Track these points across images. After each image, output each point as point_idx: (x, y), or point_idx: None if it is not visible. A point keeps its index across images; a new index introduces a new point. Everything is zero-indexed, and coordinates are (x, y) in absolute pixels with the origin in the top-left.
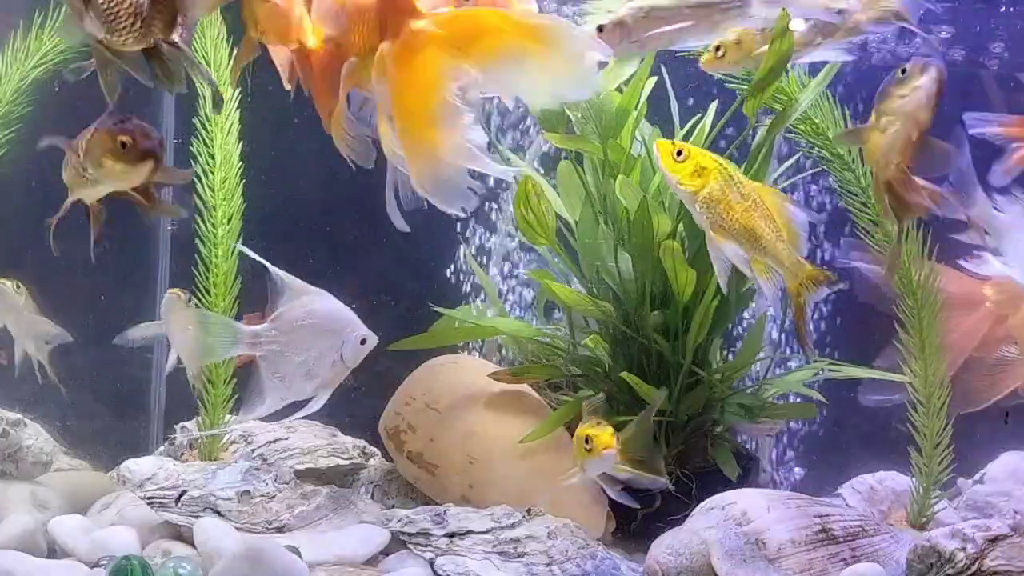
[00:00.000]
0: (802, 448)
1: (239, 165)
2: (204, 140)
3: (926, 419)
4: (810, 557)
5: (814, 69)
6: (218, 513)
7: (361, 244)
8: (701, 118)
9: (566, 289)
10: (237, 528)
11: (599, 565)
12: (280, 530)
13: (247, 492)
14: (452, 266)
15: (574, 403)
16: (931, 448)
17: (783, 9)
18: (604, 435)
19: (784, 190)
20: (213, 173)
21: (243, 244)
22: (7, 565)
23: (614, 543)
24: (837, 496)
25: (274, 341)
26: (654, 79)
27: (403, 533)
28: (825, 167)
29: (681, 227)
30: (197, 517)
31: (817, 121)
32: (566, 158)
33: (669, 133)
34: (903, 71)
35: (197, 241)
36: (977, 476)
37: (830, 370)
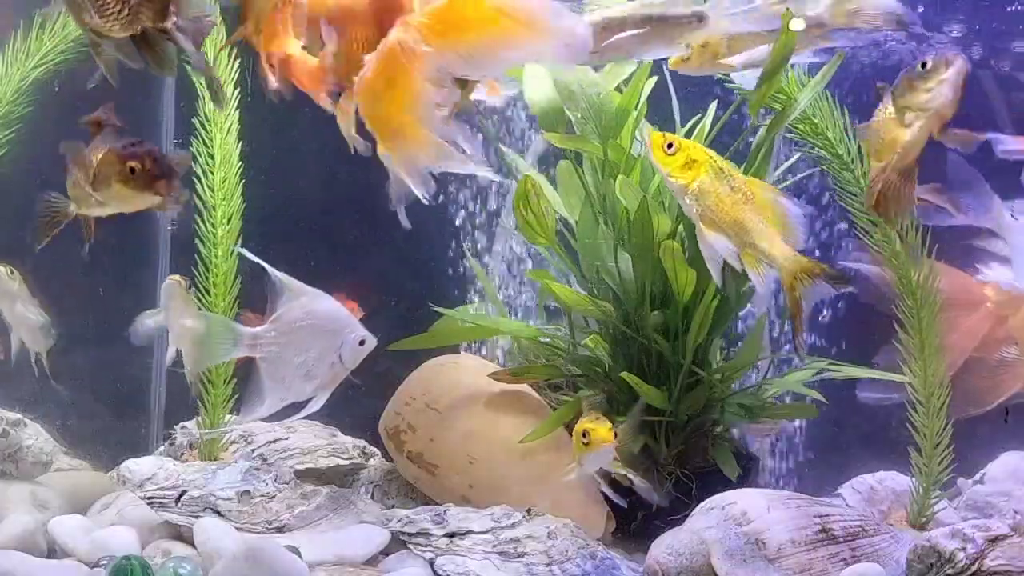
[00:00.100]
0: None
1: (239, 165)
2: (204, 140)
3: (926, 419)
4: (810, 557)
5: (812, 68)
6: (218, 513)
7: (361, 244)
8: (701, 118)
9: (566, 289)
10: (237, 528)
11: (599, 565)
12: (280, 530)
13: (247, 492)
14: (452, 267)
15: (574, 403)
16: (931, 448)
17: (787, 8)
18: (602, 429)
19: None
20: (213, 173)
21: (243, 244)
22: (7, 565)
23: (614, 543)
24: (837, 496)
25: (274, 342)
26: (654, 79)
27: (403, 533)
28: (824, 167)
29: (681, 227)
30: (197, 517)
31: (816, 121)
32: (565, 158)
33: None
34: (924, 65)
35: (197, 241)
36: (977, 476)
37: (830, 370)
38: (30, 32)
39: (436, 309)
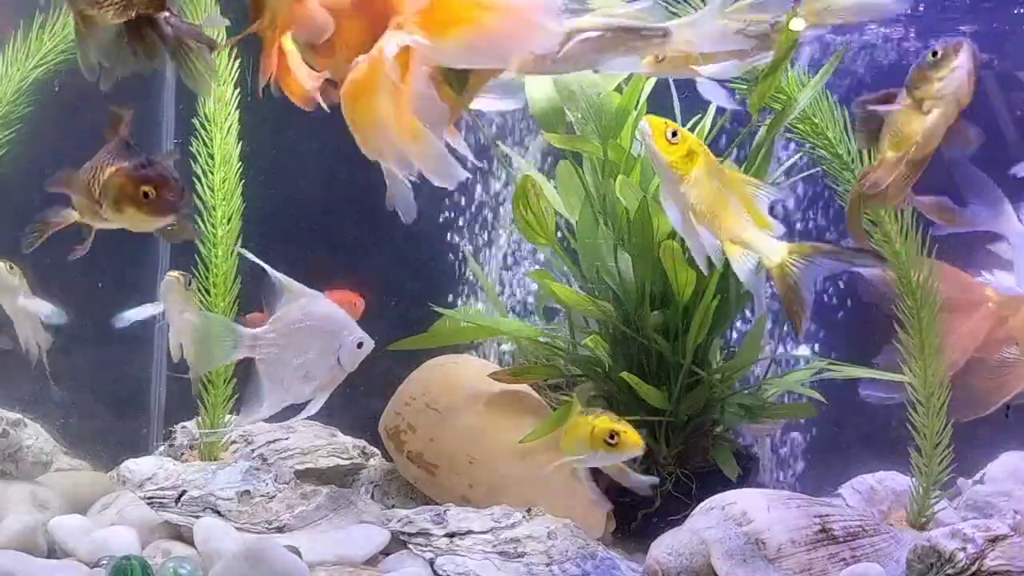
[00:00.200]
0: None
1: (239, 165)
2: (204, 140)
3: (926, 419)
4: (810, 557)
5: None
6: (218, 513)
7: (361, 244)
8: (701, 118)
9: (566, 289)
10: (237, 528)
11: (599, 565)
12: (280, 530)
13: (247, 492)
14: (452, 267)
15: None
16: (931, 448)
17: (792, 6)
18: (633, 433)
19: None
20: (213, 173)
21: (243, 244)
22: (7, 565)
23: (614, 543)
24: (837, 496)
25: (273, 343)
26: (653, 80)
27: (403, 533)
28: (824, 167)
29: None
30: (197, 517)
31: (816, 120)
32: (564, 158)
33: None
34: (934, 54)
35: (197, 241)
36: (977, 476)
37: (829, 370)
38: (30, 32)
39: (436, 309)
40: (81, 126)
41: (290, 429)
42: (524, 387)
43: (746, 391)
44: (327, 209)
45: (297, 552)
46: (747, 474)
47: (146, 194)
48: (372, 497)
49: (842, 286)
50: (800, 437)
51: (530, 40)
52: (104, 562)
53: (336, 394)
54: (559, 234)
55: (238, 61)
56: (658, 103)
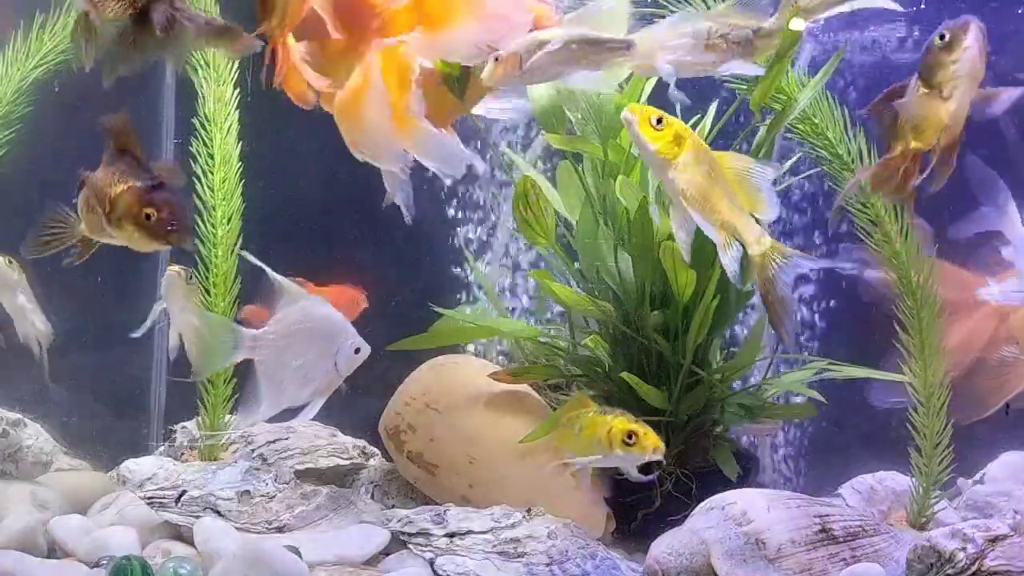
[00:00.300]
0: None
1: (239, 165)
2: (203, 140)
3: (926, 419)
4: (810, 557)
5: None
6: (218, 513)
7: (361, 244)
8: (702, 118)
9: (566, 289)
10: (237, 528)
11: (599, 565)
12: (280, 530)
13: (247, 492)
14: (452, 267)
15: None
16: (931, 448)
17: (796, 3)
18: (653, 435)
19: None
20: (213, 173)
21: (243, 244)
22: (7, 565)
23: (614, 543)
24: (837, 496)
25: (273, 345)
26: (656, 79)
27: (403, 533)
28: (824, 167)
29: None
30: (197, 517)
31: (816, 121)
32: (564, 158)
33: None
34: (942, 37)
35: (197, 241)
36: (977, 476)
37: (829, 370)
38: (30, 32)
39: (436, 309)
40: (82, 127)
41: (290, 429)
42: (524, 387)
43: (746, 391)
44: (327, 209)
45: (297, 552)
46: (747, 474)
47: (148, 216)
48: (372, 497)
49: (843, 286)
50: (800, 436)
51: (501, 33)
52: (104, 562)
53: (336, 394)
54: (559, 229)
55: (238, 61)
56: (658, 102)
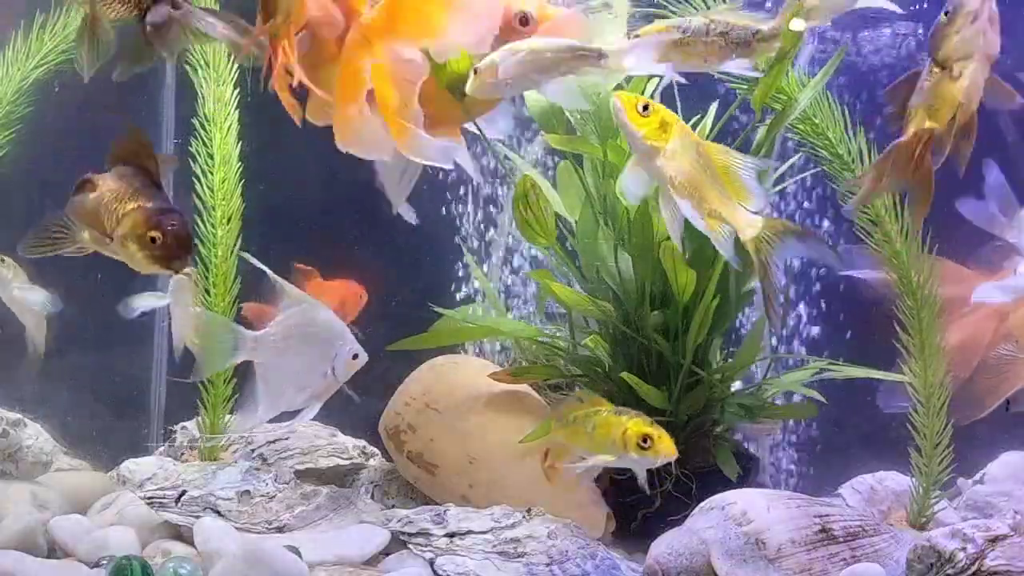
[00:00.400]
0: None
1: (238, 165)
2: (203, 140)
3: (926, 419)
4: (810, 557)
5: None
6: (218, 513)
7: (361, 244)
8: (702, 117)
9: (566, 289)
10: (237, 528)
11: (599, 565)
12: (280, 530)
13: (247, 492)
14: (452, 267)
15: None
16: (931, 448)
17: (798, 3)
18: (668, 440)
19: None
20: (212, 173)
21: (243, 244)
22: (7, 565)
23: (614, 543)
24: (837, 496)
25: (274, 347)
26: (658, 79)
27: (403, 533)
28: (824, 167)
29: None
30: (197, 517)
31: (817, 121)
32: (564, 158)
33: None
34: (947, 13)
35: (196, 241)
36: (977, 476)
37: (829, 370)
38: (30, 32)
39: (436, 309)
40: (82, 127)
41: (290, 429)
42: (524, 387)
43: (746, 391)
44: (327, 209)
45: (297, 552)
46: (747, 474)
47: (154, 239)
48: (372, 497)
49: (842, 288)
50: (800, 436)
51: (471, 30)
52: (104, 562)
53: (336, 394)
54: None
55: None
56: (660, 102)
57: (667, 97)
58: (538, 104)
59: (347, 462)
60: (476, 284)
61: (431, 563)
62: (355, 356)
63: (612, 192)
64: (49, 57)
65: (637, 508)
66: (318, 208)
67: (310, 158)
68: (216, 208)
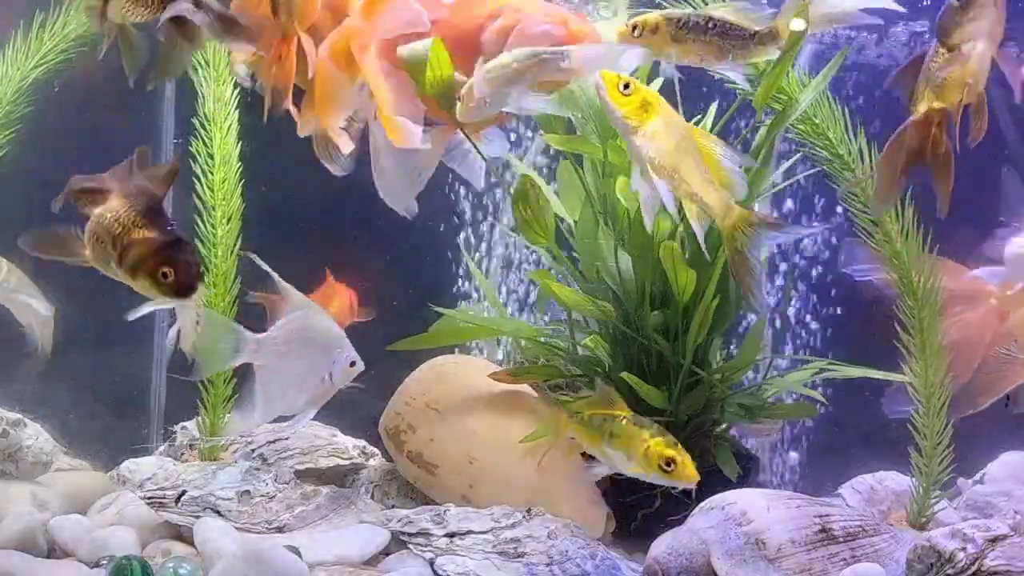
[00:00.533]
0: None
1: (239, 165)
2: (203, 140)
3: (926, 419)
4: (810, 557)
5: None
6: (218, 513)
7: (361, 244)
8: (703, 117)
9: (566, 289)
10: (237, 528)
11: (599, 565)
12: (280, 530)
13: (247, 492)
14: (452, 267)
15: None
16: (931, 448)
17: (800, 3)
18: (690, 464)
19: None
20: (212, 173)
21: (242, 244)
22: (7, 565)
23: (614, 543)
24: (837, 496)
25: (275, 350)
26: (660, 80)
27: (403, 533)
28: (824, 167)
29: (681, 227)
30: (197, 517)
31: (817, 121)
32: (564, 158)
33: None
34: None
35: (196, 241)
36: (977, 476)
37: (829, 370)
38: (30, 32)
39: (436, 309)
40: (82, 127)
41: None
42: (524, 387)
43: (746, 391)
44: (327, 209)
45: (297, 552)
46: (747, 474)
47: (165, 275)
48: (372, 497)
49: (842, 290)
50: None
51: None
52: (104, 562)
53: (336, 394)
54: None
55: None
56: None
57: (666, 96)
58: None
59: (347, 462)
60: (476, 283)
61: (431, 563)
62: (352, 363)
63: (612, 192)
64: (49, 57)
65: (637, 508)
66: (318, 208)
67: (310, 158)
68: (216, 208)
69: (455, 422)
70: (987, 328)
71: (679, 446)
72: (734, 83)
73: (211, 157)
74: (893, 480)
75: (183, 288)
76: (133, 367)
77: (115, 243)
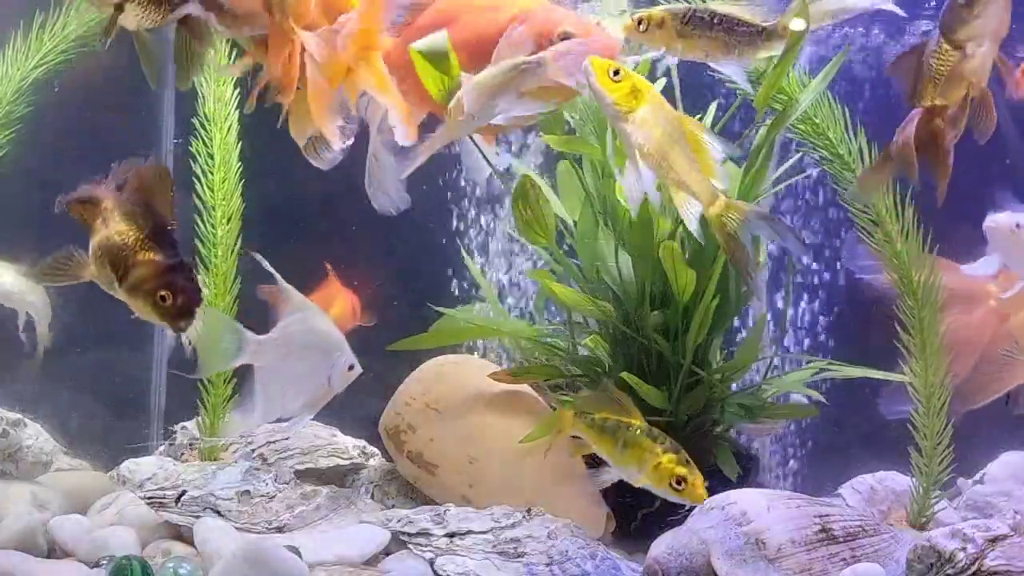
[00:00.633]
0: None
1: (239, 165)
2: (203, 140)
3: (926, 419)
4: (810, 557)
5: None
6: (218, 513)
7: (361, 244)
8: (702, 117)
9: (566, 289)
10: (237, 528)
11: (599, 565)
12: (280, 530)
13: (247, 492)
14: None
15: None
16: (931, 448)
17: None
18: (700, 483)
19: None
20: (212, 173)
21: (243, 244)
22: (7, 565)
23: (614, 543)
24: (837, 496)
25: (276, 352)
26: (663, 80)
27: (403, 533)
28: (825, 167)
29: (681, 227)
30: (197, 517)
31: (817, 121)
32: (564, 159)
33: None
34: None
35: (196, 241)
36: (977, 476)
37: (829, 370)
38: (30, 32)
39: (436, 309)
40: (82, 127)
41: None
42: (524, 387)
43: (746, 391)
44: (327, 209)
45: (297, 552)
46: (747, 474)
47: (163, 298)
48: (372, 497)
49: (842, 289)
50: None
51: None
52: (104, 562)
53: (337, 394)
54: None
55: (238, 62)
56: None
57: (666, 95)
58: None
59: (347, 462)
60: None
61: (431, 563)
62: (351, 367)
63: (612, 193)
64: (49, 57)
65: (637, 508)
66: (317, 208)
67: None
68: (216, 208)
69: (455, 422)
70: (986, 328)
71: (691, 464)
72: (735, 83)
73: (211, 157)
74: (893, 480)
75: (181, 313)
76: (133, 367)
77: (117, 263)
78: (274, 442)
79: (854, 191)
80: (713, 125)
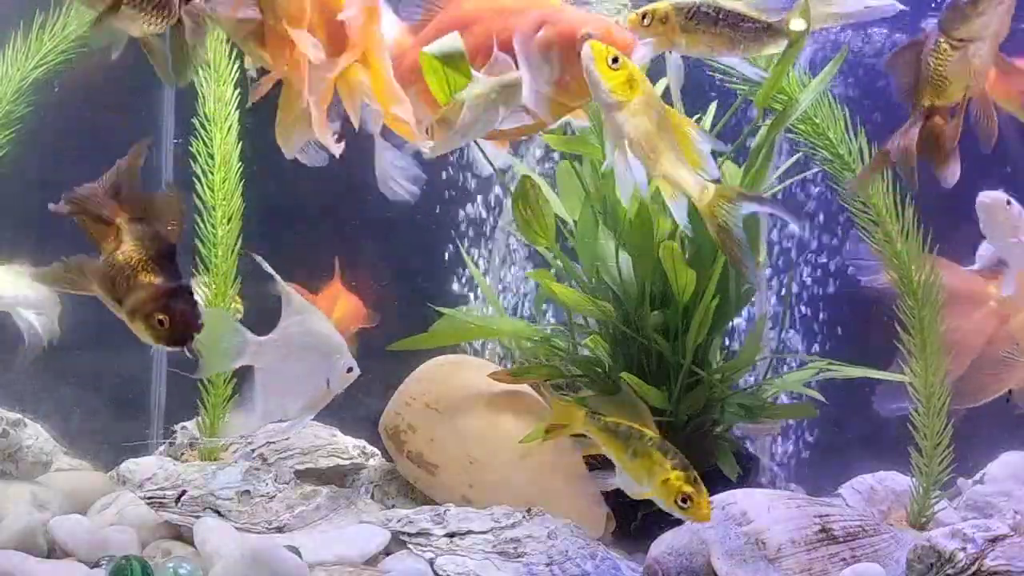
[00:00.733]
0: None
1: (239, 165)
2: (203, 140)
3: (926, 419)
4: (810, 557)
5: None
6: (218, 513)
7: (361, 243)
8: (702, 117)
9: (566, 289)
10: (237, 528)
11: (599, 565)
12: (280, 530)
13: (247, 492)
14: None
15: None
16: (931, 448)
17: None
18: (706, 503)
19: None
20: (213, 173)
21: (242, 244)
22: (7, 565)
23: (614, 543)
24: (837, 496)
25: (276, 353)
26: (664, 81)
27: (403, 533)
28: (825, 167)
29: (681, 227)
30: (197, 517)
31: (817, 121)
32: (564, 159)
33: None
34: None
35: (196, 241)
36: (977, 476)
37: (829, 370)
38: (30, 32)
39: (436, 309)
40: (82, 128)
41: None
42: (524, 387)
43: (746, 391)
44: (327, 210)
45: (297, 552)
46: (747, 474)
47: (161, 322)
48: (372, 497)
49: (843, 289)
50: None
51: None
52: (104, 562)
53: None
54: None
55: (238, 62)
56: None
57: (666, 94)
58: None
59: (347, 462)
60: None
61: (431, 563)
62: (350, 369)
63: (612, 193)
64: (49, 57)
65: (637, 508)
66: (317, 207)
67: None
68: (216, 208)
69: (455, 422)
70: (986, 327)
71: (699, 483)
72: (735, 83)
73: (211, 157)
74: (893, 480)
75: (176, 339)
76: (133, 367)
77: (117, 284)
78: (274, 442)
79: (851, 189)
80: (713, 125)
